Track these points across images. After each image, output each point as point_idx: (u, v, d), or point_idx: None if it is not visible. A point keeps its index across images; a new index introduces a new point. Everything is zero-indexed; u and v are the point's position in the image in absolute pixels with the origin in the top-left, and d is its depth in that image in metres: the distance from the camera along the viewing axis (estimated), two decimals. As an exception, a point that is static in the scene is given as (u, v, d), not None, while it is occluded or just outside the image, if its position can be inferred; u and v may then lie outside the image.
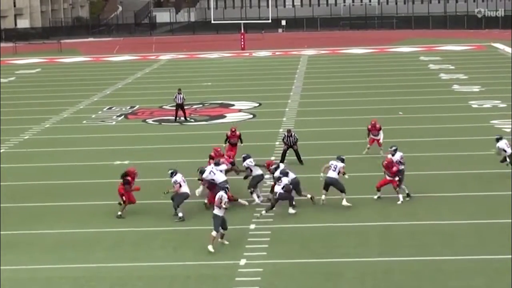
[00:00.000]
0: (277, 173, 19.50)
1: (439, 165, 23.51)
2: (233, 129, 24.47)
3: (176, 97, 32.84)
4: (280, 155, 24.08)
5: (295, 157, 23.90)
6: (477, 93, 37.60)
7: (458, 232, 17.35)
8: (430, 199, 20.04)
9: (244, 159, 20.38)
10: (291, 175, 19.41)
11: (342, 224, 18.19)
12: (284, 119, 31.89)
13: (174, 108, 32.99)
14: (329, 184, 19.49)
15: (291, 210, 18.96)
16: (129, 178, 19.76)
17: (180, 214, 18.89)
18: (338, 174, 19.68)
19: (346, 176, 19.75)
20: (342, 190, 19.41)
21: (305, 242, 16.97)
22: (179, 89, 33.29)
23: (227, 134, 24.47)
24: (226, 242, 16.76)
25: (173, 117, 32.99)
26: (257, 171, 20.20)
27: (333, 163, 19.67)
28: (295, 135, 23.95)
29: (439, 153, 25.07)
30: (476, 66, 48.49)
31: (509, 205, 19.11)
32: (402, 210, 19.16)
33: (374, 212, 19.06)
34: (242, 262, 15.83)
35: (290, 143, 23.67)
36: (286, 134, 24.00)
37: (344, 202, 19.30)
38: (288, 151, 23.88)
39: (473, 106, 34.05)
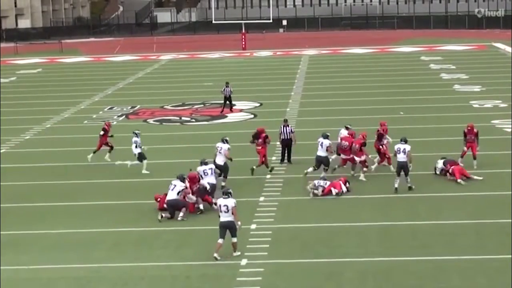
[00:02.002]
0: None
1: (439, 165, 23.45)
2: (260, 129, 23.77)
3: (224, 90, 34.23)
4: (280, 154, 24.24)
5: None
6: (478, 93, 37.54)
7: (459, 232, 17.32)
8: (431, 198, 20.00)
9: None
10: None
11: (342, 224, 18.17)
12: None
13: (222, 101, 34.86)
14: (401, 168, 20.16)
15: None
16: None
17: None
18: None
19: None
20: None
21: (306, 242, 16.94)
22: (227, 82, 34.74)
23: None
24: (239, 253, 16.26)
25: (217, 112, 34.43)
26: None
27: (400, 146, 20.23)
28: (291, 127, 23.89)
29: (440, 153, 24.95)
30: (477, 66, 48.43)
31: (509, 204, 19.07)
32: (403, 209, 19.14)
33: (374, 211, 19.04)
34: (243, 262, 15.81)
35: (285, 134, 23.44)
36: (282, 124, 23.83)
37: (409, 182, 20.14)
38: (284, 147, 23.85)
39: (474, 106, 33.99)
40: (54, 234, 18.12)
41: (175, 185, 18.89)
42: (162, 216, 18.77)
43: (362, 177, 21.50)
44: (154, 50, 68.69)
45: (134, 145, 23.55)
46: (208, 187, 19.27)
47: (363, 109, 33.66)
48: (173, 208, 18.83)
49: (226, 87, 34.41)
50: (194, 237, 17.50)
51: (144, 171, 23.31)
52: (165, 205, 19.01)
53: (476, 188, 20.86)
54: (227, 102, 34.43)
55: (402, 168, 20.08)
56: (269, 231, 17.69)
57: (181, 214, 18.75)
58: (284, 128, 23.64)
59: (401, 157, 20.10)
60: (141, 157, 23.47)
